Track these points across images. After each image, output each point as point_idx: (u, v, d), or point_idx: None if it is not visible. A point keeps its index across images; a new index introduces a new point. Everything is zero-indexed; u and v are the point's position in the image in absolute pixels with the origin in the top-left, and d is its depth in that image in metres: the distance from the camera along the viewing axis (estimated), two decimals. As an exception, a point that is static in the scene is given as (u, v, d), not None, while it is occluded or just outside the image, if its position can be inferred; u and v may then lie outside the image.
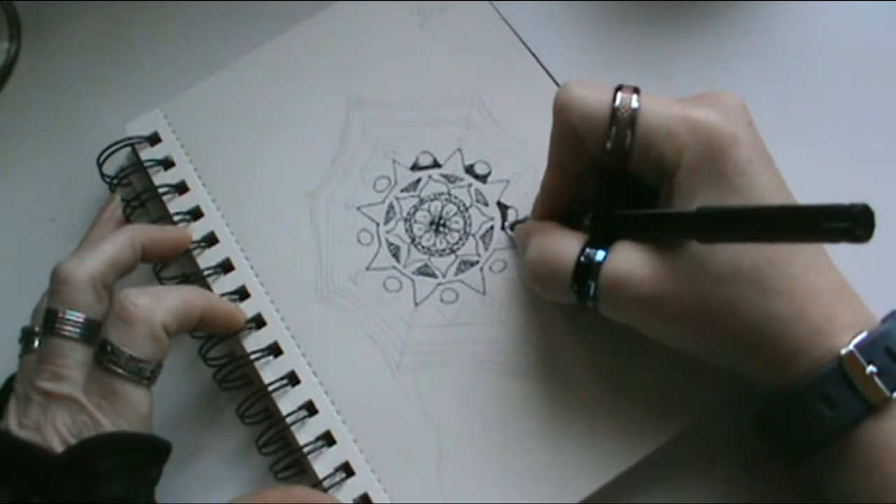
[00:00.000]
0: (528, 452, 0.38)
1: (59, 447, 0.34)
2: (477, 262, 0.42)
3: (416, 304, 0.41)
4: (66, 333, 0.36)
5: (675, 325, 0.34)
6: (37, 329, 0.38)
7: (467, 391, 0.39)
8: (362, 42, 0.47)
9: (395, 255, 0.42)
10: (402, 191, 0.44)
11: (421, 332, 0.41)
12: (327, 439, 0.39)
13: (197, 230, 0.43)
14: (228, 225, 0.43)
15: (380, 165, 0.44)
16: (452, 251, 0.42)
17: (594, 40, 0.48)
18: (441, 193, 0.43)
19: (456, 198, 0.43)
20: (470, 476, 0.38)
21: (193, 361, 0.41)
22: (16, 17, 0.51)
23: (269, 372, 0.40)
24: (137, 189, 0.45)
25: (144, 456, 0.36)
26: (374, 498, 0.38)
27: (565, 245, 0.36)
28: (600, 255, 0.35)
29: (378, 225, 0.43)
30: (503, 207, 0.43)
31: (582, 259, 0.35)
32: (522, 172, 0.43)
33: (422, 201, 0.43)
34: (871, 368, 0.32)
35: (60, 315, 0.36)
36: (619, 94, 0.34)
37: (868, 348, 0.32)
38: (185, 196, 0.43)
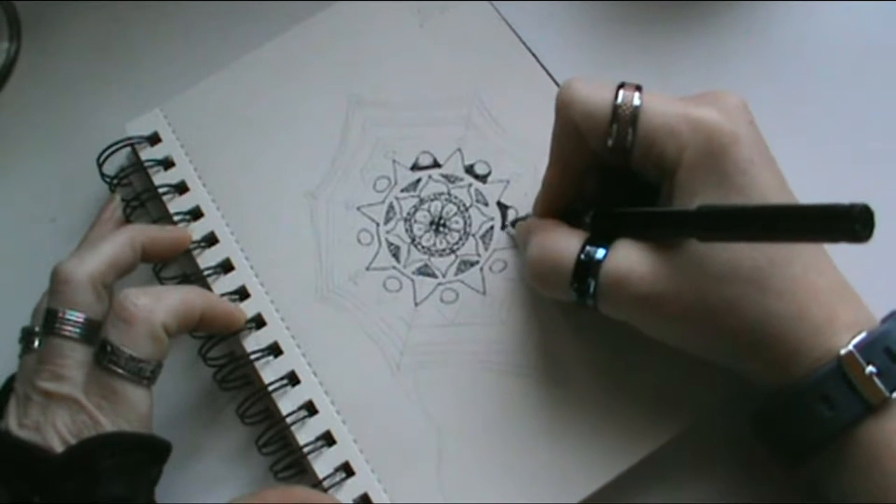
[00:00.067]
0: (529, 452, 0.38)
1: (59, 447, 0.34)
2: (477, 262, 0.42)
3: (416, 304, 0.41)
4: (66, 333, 0.36)
5: (675, 323, 0.34)
6: (37, 329, 0.38)
7: (467, 391, 0.39)
8: (362, 42, 0.47)
9: (395, 255, 0.42)
10: (402, 191, 0.44)
11: (421, 332, 0.41)
12: (327, 439, 0.39)
13: (197, 230, 0.43)
14: (228, 225, 0.43)
15: (380, 165, 0.44)
16: (452, 251, 0.42)
17: (594, 40, 0.48)
18: (441, 193, 0.43)
19: (456, 198, 0.43)
20: (470, 476, 0.38)
21: (193, 361, 0.41)
22: (16, 17, 0.51)
23: (269, 372, 0.40)
24: (137, 189, 0.45)
25: (144, 456, 0.36)
26: (374, 498, 0.38)
27: (566, 242, 0.36)
28: (600, 252, 0.35)
29: (378, 225, 0.43)
30: (503, 207, 0.43)
31: (582, 257, 0.35)
32: (522, 172, 0.43)
33: (422, 201, 0.43)
34: (870, 369, 0.32)
35: (60, 315, 0.36)
36: (622, 92, 0.34)
37: (867, 349, 0.32)
38: (185, 196, 0.43)
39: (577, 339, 0.40)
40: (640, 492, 0.38)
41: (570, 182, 0.38)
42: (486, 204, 0.43)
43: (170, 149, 0.44)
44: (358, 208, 0.43)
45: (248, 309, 0.41)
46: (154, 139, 0.45)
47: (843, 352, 0.32)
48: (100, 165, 0.44)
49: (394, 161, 0.44)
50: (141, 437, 0.36)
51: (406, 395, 0.39)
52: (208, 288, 0.41)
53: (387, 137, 0.44)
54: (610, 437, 0.38)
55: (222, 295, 0.41)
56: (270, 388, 0.39)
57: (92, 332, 0.36)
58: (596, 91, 0.35)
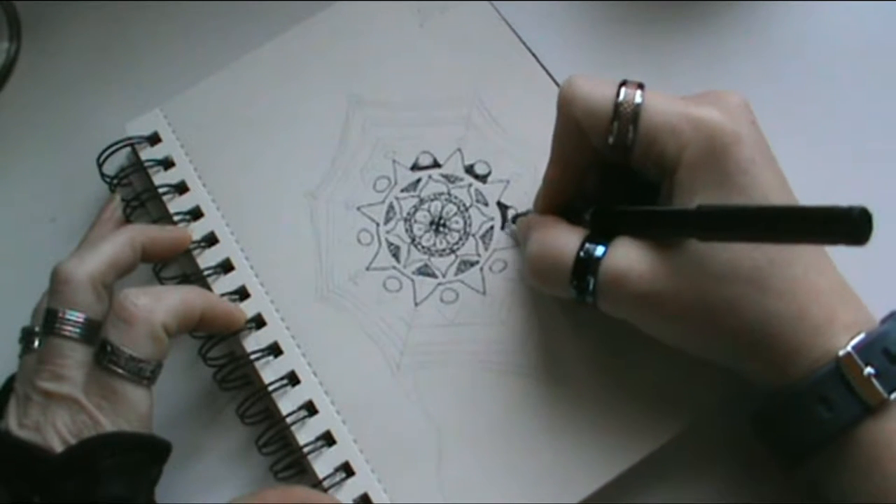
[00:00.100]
0: (529, 452, 0.38)
1: (59, 447, 0.34)
2: (477, 262, 0.42)
3: (416, 304, 0.41)
4: (66, 333, 0.36)
5: (674, 322, 0.34)
6: (37, 329, 0.38)
7: (467, 391, 0.39)
8: (362, 42, 0.47)
9: (395, 255, 0.42)
10: (402, 191, 0.44)
11: (421, 332, 0.41)
12: (327, 439, 0.39)
13: (197, 230, 0.43)
14: (228, 225, 0.43)
15: (380, 165, 0.44)
16: (452, 251, 0.42)
17: (594, 40, 0.48)
18: (441, 193, 0.43)
19: (456, 198, 0.43)
20: (470, 476, 0.38)
21: (193, 361, 0.41)
22: (16, 17, 0.51)
23: (269, 372, 0.40)
24: (137, 189, 0.45)
25: (144, 456, 0.36)
26: (374, 498, 0.38)
27: (565, 240, 0.36)
28: (600, 250, 0.35)
29: (378, 225, 0.43)
30: (503, 207, 0.43)
31: (581, 254, 0.35)
32: (522, 172, 0.43)
33: (422, 201, 0.43)
34: (868, 370, 0.32)
35: (60, 315, 0.36)
36: (623, 90, 0.34)
37: (866, 350, 0.32)
38: (185, 196, 0.44)
39: (577, 339, 0.40)
40: (640, 491, 0.38)
41: (571, 179, 0.38)
42: (486, 204, 0.43)
43: (170, 149, 0.44)
44: (358, 208, 0.43)
45: (248, 309, 0.41)
46: (154, 139, 0.45)
47: (841, 353, 0.32)
48: (100, 165, 0.44)
49: (394, 161, 0.44)
50: (141, 437, 0.36)
51: (406, 395, 0.39)
52: (208, 288, 0.41)
53: (387, 137, 0.45)
54: (610, 436, 0.38)
55: (222, 295, 0.41)
56: (270, 388, 0.39)
57: (92, 332, 0.36)
58: (598, 88, 0.35)
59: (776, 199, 0.33)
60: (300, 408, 0.39)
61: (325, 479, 0.38)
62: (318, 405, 0.39)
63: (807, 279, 0.33)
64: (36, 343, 0.37)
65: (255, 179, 0.44)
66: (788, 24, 0.47)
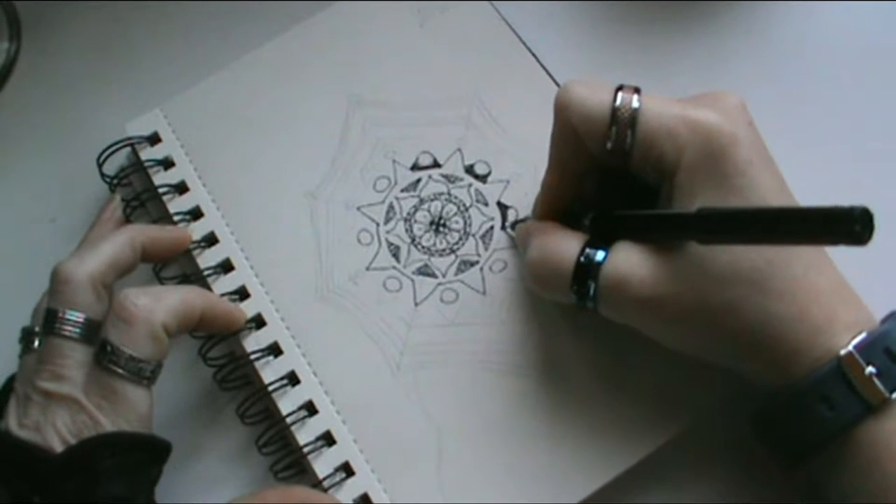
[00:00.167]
0: (529, 452, 0.38)
1: (59, 447, 0.34)
2: (477, 262, 0.42)
3: (416, 304, 0.41)
4: (66, 333, 0.36)
5: (675, 326, 0.34)
6: (37, 329, 0.38)
7: (467, 391, 0.39)
8: (362, 42, 0.47)
9: (395, 255, 0.42)
10: (402, 191, 0.44)
11: (421, 332, 0.41)
12: (327, 439, 0.39)
13: (197, 230, 0.43)
14: (228, 225, 0.43)
15: (380, 165, 0.44)
16: (452, 251, 0.42)
17: (594, 40, 0.48)
18: (441, 193, 0.43)
19: (456, 198, 0.43)
20: (470, 476, 0.38)
21: (193, 361, 0.41)
22: (16, 17, 0.51)
23: (269, 372, 0.40)
24: (137, 189, 0.45)
25: (144, 456, 0.36)
26: (374, 498, 0.38)
27: (565, 245, 0.36)
28: (600, 255, 0.35)
29: (378, 225, 0.43)
30: (503, 207, 0.43)
31: (582, 259, 0.35)
32: (522, 172, 0.43)
33: (422, 201, 0.43)
34: (870, 369, 0.32)
35: (60, 315, 0.36)
36: (620, 94, 0.34)
37: (867, 349, 0.32)
38: (185, 196, 0.43)
39: (577, 339, 0.40)
40: (640, 492, 0.38)
41: (569, 184, 0.38)
42: (486, 204, 0.43)
43: (170, 149, 0.44)
44: (358, 208, 0.43)
45: (248, 309, 0.41)
46: (154, 139, 0.45)
47: (842, 352, 0.32)
48: (100, 165, 0.44)
49: (394, 161, 0.44)
50: (141, 437, 0.36)
51: (406, 395, 0.39)
52: (208, 288, 0.41)
53: (387, 137, 0.45)
54: (610, 437, 0.38)
55: (222, 295, 0.41)
56: (270, 388, 0.39)
57: (92, 332, 0.36)
58: (594, 93, 0.35)
59: (774, 199, 0.33)
60: (300, 408, 0.39)
61: (325, 479, 0.38)
62: (318, 405, 0.39)
63: (807, 279, 0.33)
64: (36, 343, 0.37)
65: (255, 179, 0.44)
66: (788, 24, 0.47)
